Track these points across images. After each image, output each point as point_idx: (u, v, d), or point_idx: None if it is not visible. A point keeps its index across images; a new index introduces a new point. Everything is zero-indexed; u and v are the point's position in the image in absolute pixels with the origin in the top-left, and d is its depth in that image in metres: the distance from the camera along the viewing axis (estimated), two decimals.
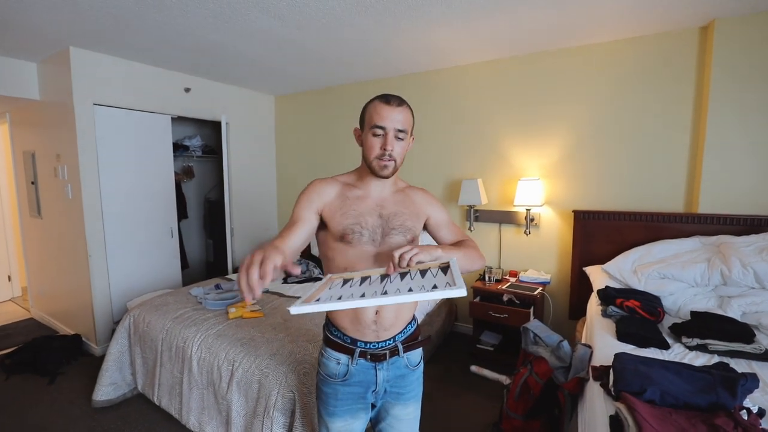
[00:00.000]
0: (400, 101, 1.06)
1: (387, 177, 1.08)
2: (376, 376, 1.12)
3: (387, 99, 1.05)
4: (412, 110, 1.10)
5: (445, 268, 0.96)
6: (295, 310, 0.80)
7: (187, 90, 3.52)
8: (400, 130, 1.04)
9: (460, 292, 0.78)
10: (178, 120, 3.69)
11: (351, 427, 1.16)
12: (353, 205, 1.11)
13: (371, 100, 1.08)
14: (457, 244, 1.17)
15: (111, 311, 3.09)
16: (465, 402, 2.41)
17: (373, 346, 1.12)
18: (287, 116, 4.42)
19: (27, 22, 2.32)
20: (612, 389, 1.32)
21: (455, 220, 3.34)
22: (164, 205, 3.46)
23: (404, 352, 1.15)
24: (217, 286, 2.79)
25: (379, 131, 1.04)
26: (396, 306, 1.13)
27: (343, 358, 1.13)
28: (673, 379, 1.26)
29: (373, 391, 1.14)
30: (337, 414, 1.14)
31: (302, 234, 1.05)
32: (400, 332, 1.16)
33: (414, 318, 1.23)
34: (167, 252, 3.51)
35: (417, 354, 1.22)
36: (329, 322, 1.19)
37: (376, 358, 1.12)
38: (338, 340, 1.14)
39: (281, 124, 4.49)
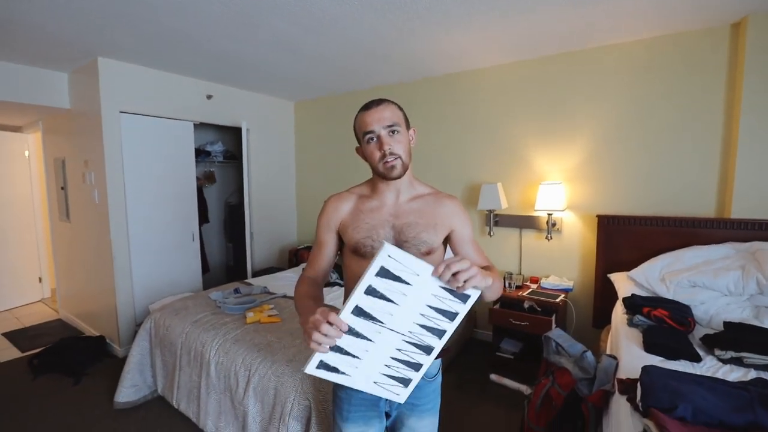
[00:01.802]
0: (379, 102, 1.07)
1: (398, 177, 1.07)
2: None
3: (367, 106, 1.08)
4: (398, 105, 1.11)
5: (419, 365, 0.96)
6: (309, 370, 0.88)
7: (209, 97, 3.60)
8: (390, 126, 1.05)
9: (399, 398, 0.98)
10: (200, 126, 3.76)
11: None
12: (366, 218, 1.12)
13: (356, 115, 1.11)
14: (487, 269, 1.10)
15: (134, 313, 3.16)
16: (484, 411, 2.35)
17: None
18: (307, 121, 4.47)
19: (58, 34, 2.41)
20: (640, 404, 1.25)
21: (474, 225, 3.30)
22: (186, 210, 3.54)
23: None
24: (236, 290, 2.82)
25: (372, 136, 1.06)
26: None
27: None
28: (706, 396, 1.18)
29: (387, 399, 1.11)
30: (351, 419, 1.13)
31: (328, 256, 1.20)
32: None
33: None
34: (189, 255, 3.58)
35: (435, 365, 1.18)
36: None
37: None
38: None
39: (301, 129, 4.53)
